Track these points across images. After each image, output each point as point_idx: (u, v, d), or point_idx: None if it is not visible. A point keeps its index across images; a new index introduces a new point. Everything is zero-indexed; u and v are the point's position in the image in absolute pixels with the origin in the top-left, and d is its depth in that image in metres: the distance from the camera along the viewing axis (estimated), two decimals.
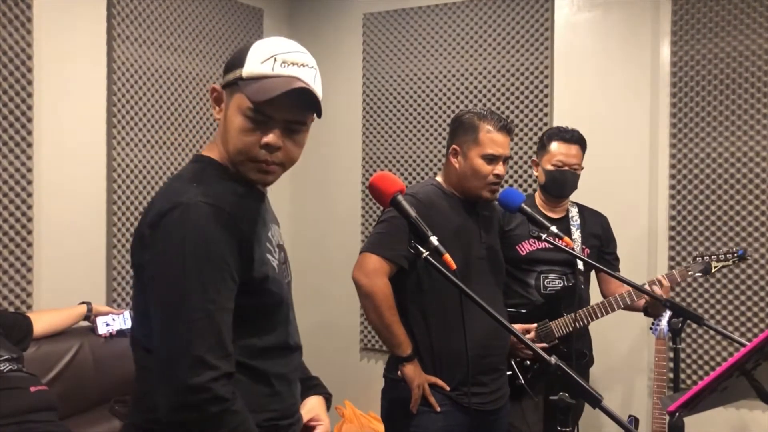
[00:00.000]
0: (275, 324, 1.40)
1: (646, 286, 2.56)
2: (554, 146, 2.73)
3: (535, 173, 2.84)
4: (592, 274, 2.91)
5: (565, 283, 2.71)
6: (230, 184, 1.36)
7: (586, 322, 2.66)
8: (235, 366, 1.30)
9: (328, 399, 1.70)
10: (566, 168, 2.71)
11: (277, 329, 1.41)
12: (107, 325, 2.85)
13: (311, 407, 1.62)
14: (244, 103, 1.31)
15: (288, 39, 1.39)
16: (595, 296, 2.87)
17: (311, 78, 1.35)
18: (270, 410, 1.37)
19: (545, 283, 2.71)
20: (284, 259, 1.50)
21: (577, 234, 2.78)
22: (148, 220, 1.30)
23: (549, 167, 2.72)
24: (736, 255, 2.62)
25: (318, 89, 1.37)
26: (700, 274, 2.65)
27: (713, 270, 2.64)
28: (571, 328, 2.61)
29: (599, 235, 2.86)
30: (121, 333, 2.87)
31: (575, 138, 2.75)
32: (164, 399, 1.24)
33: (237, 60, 1.35)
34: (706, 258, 2.65)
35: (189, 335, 1.23)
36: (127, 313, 2.92)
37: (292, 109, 1.32)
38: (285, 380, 1.43)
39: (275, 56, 1.32)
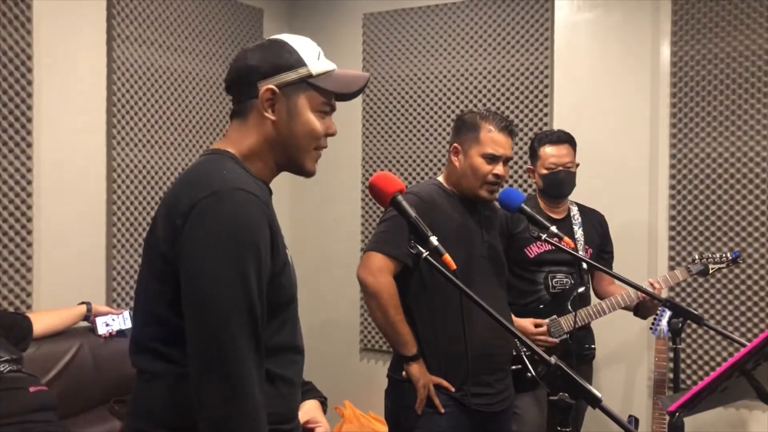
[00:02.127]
0: (285, 322, 1.38)
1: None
2: (544, 150, 2.81)
3: (533, 180, 2.91)
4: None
5: (572, 282, 2.77)
6: (252, 178, 1.36)
7: (589, 319, 2.74)
8: None
9: (323, 403, 1.70)
10: (560, 168, 2.77)
11: (286, 328, 1.39)
12: (107, 325, 2.84)
13: (308, 410, 1.62)
14: (317, 98, 1.38)
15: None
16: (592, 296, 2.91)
17: None
18: (273, 413, 1.34)
19: (553, 282, 2.78)
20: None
21: (579, 233, 2.84)
22: (180, 209, 1.27)
23: (544, 171, 2.79)
24: (730, 259, 2.74)
25: None
26: (697, 275, 2.74)
27: (710, 272, 2.75)
28: (575, 326, 2.70)
29: (599, 233, 2.91)
30: (120, 333, 2.87)
31: (563, 138, 2.82)
32: (211, 393, 1.21)
33: (286, 60, 1.37)
34: (704, 260, 2.74)
35: (232, 327, 1.22)
36: (126, 314, 2.91)
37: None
38: (290, 383, 1.41)
39: (318, 52, 1.41)
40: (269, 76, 1.36)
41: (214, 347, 1.22)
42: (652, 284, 2.64)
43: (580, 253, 2.78)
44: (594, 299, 2.87)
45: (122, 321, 2.89)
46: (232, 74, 1.42)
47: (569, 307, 2.71)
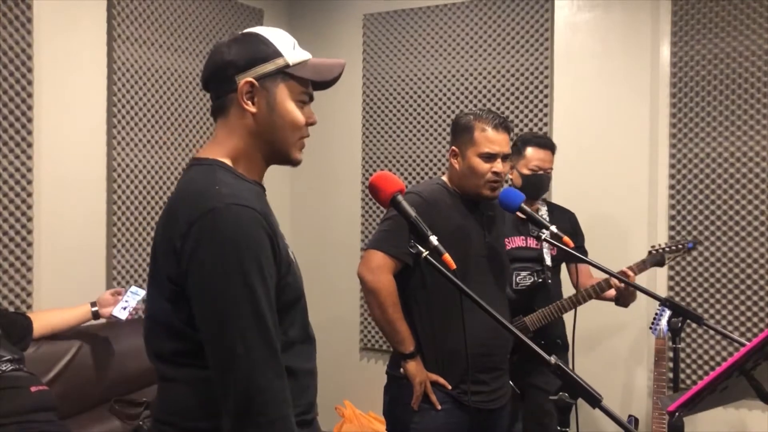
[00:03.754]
0: (296, 317, 1.40)
1: (613, 279, 2.65)
2: (530, 151, 2.88)
3: (510, 176, 2.95)
4: (562, 267, 3.03)
5: (536, 279, 2.82)
6: (245, 184, 1.36)
7: (557, 315, 2.78)
8: None
9: None
10: (542, 172, 2.86)
11: (297, 323, 1.41)
12: (124, 309, 2.75)
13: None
14: (296, 87, 1.39)
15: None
16: (568, 289, 2.95)
17: None
18: (298, 405, 1.36)
19: (517, 279, 2.83)
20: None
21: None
22: (179, 230, 1.27)
23: (526, 171, 2.86)
24: (685, 248, 2.81)
25: None
26: (655, 266, 2.80)
27: (666, 262, 2.82)
28: (544, 322, 2.76)
29: (568, 231, 2.93)
30: (140, 306, 2.79)
31: (549, 143, 2.92)
32: (237, 409, 1.24)
33: (263, 52, 1.37)
34: (660, 250, 2.81)
35: (248, 342, 1.24)
36: (133, 288, 2.82)
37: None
38: (309, 374, 1.44)
39: (293, 42, 1.41)
40: (246, 69, 1.36)
41: (234, 367, 1.24)
42: (625, 272, 2.66)
43: (545, 250, 2.85)
44: (565, 292, 2.91)
45: (132, 296, 2.79)
46: (209, 70, 1.41)
47: (534, 306, 2.76)
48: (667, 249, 2.79)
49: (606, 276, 2.53)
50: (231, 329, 1.24)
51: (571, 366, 2.41)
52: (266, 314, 1.26)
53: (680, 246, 2.79)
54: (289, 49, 1.39)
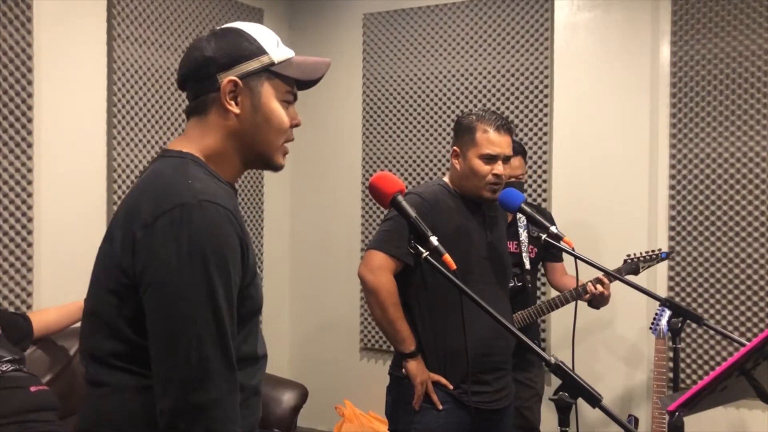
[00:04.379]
0: (249, 333, 1.31)
1: (590, 284, 2.67)
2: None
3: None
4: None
5: (515, 283, 2.82)
6: (218, 182, 1.28)
7: (534, 318, 2.83)
8: None
9: None
10: (513, 179, 2.84)
11: (250, 338, 1.32)
12: None
13: None
14: (281, 87, 1.32)
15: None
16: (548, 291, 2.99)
17: None
18: (245, 425, 1.28)
19: None
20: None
21: (524, 235, 2.92)
22: (141, 220, 1.18)
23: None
24: (659, 257, 2.83)
25: None
26: (630, 274, 2.79)
27: (641, 271, 2.83)
28: (523, 324, 2.81)
29: None
30: None
31: (517, 149, 2.81)
32: (183, 416, 1.15)
33: (246, 49, 1.29)
34: (635, 259, 2.83)
35: (205, 348, 1.15)
36: None
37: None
38: (254, 391, 1.34)
39: (277, 39, 1.34)
40: (229, 66, 1.27)
41: (185, 376, 1.14)
42: (601, 280, 2.65)
43: (524, 253, 2.89)
44: (551, 295, 2.93)
45: None
46: (187, 67, 1.31)
47: (513, 309, 2.75)
48: (641, 258, 2.82)
49: (582, 283, 2.54)
50: (186, 335, 1.14)
51: (571, 366, 2.41)
52: (226, 324, 1.17)
53: (654, 255, 2.83)
54: (273, 46, 1.31)
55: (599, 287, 2.65)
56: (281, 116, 1.32)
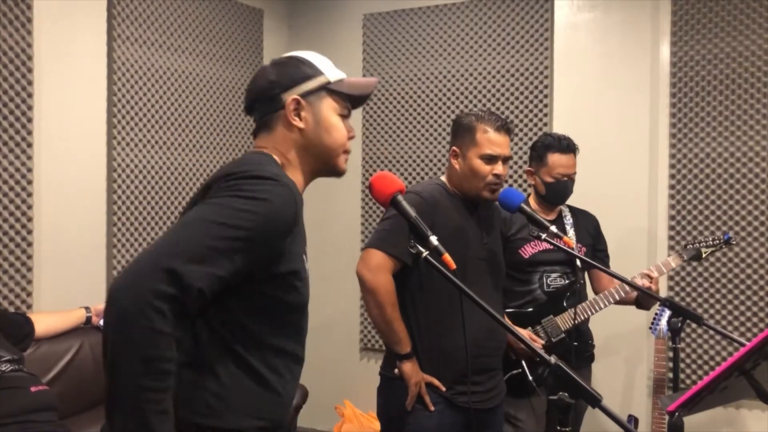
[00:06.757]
0: (292, 329, 1.39)
1: (636, 279, 2.65)
2: (553, 158, 2.74)
3: (531, 182, 2.86)
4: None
5: (567, 280, 2.77)
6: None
7: (586, 315, 2.74)
8: (243, 365, 1.30)
9: None
10: (566, 179, 2.75)
11: (293, 336, 1.39)
12: None
13: None
14: (340, 102, 1.48)
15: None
16: (589, 293, 2.92)
17: None
18: (266, 418, 1.34)
19: (548, 281, 2.78)
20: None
21: (571, 233, 2.86)
22: (220, 174, 1.30)
23: (549, 179, 2.74)
24: (722, 240, 2.76)
25: None
26: (691, 260, 2.77)
27: (704, 256, 2.77)
28: (576, 321, 2.70)
29: (591, 233, 2.92)
30: None
31: (572, 147, 2.77)
32: (126, 294, 1.12)
33: (305, 71, 1.46)
34: (696, 245, 2.77)
35: (179, 248, 1.16)
36: None
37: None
38: (288, 391, 1.40)
39: (330, 63, 1.51)
40: (291, 87, 1.44)
41: (165, 240, 1.18)
42: (647, 274, 2.65)
43: (575, 251, 2.81)
44: (591, 296, 2.89)
45: None
46: (255, 93, 1.48)
47: (565, 305, 2.72)
48: (704, 243, 2.77)
49: (629, 280, 2.47)
50: (189, 228, 1.20)
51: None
52: (226, 251, 1.19)
53: (717, 239, 2.77)
54: (329, 67, 1.49)
55: (645, 282, 2.63)
56: (340, 128, 1.48)
